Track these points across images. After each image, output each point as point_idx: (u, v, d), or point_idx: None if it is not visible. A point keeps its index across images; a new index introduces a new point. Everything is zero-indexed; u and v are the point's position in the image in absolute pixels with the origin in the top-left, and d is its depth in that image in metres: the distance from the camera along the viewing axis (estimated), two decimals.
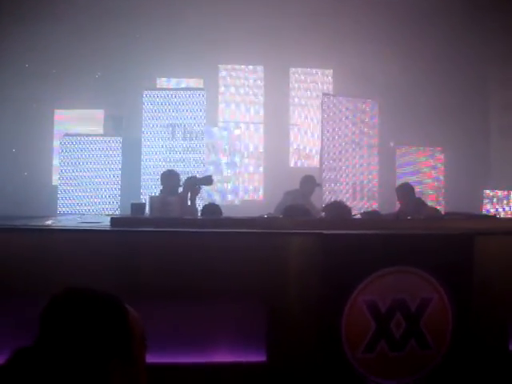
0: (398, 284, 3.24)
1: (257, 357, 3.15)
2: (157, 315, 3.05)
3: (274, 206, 6.48)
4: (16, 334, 3.05)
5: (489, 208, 8.67)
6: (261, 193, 9.47)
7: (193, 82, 9.45)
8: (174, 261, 3.14)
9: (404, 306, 3.24)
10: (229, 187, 9.12)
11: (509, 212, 8.41)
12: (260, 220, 3.92)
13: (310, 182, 6.88)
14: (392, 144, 9.33)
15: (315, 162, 9.42)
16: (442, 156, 9.38)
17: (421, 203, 6.29)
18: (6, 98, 8.68)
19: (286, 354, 3.16)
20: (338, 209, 4.48)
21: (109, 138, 8.71)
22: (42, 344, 1.34)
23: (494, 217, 4.91)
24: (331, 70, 9.90)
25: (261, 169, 9.58)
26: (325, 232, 3.25)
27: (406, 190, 6.44)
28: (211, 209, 4.94)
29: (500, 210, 8.58)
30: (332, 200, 7.29)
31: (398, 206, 7.20)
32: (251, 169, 9.57)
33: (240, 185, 9.27)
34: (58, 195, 8.59)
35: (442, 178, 9.34)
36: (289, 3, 8.84)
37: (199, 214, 5.20)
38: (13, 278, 3.05)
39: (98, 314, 1.36)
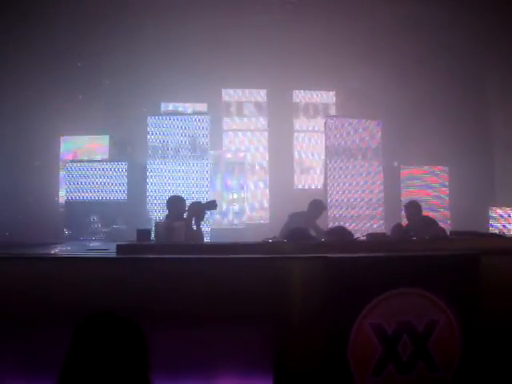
0: (403, 306, 3.23)
1: (263, 383, 3.13)
2: (162, 341, 3.05)
3: (279, 227, 6.50)
4: (23, 362, 3.07)
5: (495, 225, 8.62)
6: (266, 215, 9.46)
7: (197, 107, 9.53)
8: (179, 287, 3.15)
9: (411, 328, 3.22)
10: (234, 210, 9.13)
11: None
12: (265, 244, 3.93)
13: (317, 207, 7.02)
14: (396, 164, 9.34)
15: (320, 184, 9.44)
16: (446, 174, 9.36)
17: (429, 221, 6.42)
18: (13, 126, 8.78)
19: (293, 379, 3.14)
20: (340, 234, 4.46)
21: (114, 163, 8.76)
22: (74, 358, 1.57)
23: (499, 235, 4.88)
24: (334, 92, 9.97)
25: (266, 191, 9.60)
26: (329, 256, 3.26)
27: (414, 208, 6.65)
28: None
29: (507, 226, 8.52)
30: (336, 224, 7.35)
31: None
32: (256, 191, 9.58)
33: (245, 208, 9.27)
34: (64, 220, 8.62)
35: (446, 196, 9.32)
36: (290, 28, 8.94)
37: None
38: (21, 305, 3.08)
39: (126, 334, 1.65)
